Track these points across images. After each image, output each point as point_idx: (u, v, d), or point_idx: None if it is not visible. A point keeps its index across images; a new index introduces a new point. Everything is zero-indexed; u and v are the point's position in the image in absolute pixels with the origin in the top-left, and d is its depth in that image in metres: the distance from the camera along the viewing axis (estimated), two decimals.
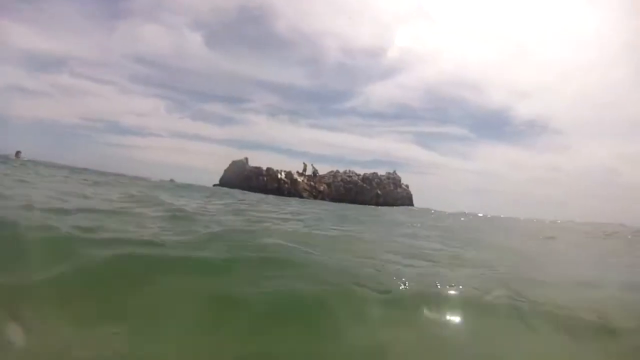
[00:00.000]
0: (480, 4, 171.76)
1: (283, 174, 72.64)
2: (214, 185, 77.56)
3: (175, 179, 63.52)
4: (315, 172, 75.79)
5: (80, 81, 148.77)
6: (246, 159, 77.10)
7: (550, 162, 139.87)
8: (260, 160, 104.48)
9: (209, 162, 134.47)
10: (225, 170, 79.95)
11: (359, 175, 76.66)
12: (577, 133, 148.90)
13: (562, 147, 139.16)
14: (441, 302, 3.79)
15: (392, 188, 77.95)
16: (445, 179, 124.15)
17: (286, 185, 71.64)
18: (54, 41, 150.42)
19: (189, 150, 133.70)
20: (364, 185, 75.39)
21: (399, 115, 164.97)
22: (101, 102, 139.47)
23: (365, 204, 67.89)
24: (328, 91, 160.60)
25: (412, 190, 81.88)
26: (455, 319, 3.62)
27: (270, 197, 41.46)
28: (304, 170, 75.03)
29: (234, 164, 78.28)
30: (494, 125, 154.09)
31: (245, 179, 74.05)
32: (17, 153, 43.46)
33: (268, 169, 74.05)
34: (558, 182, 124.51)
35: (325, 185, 73.33)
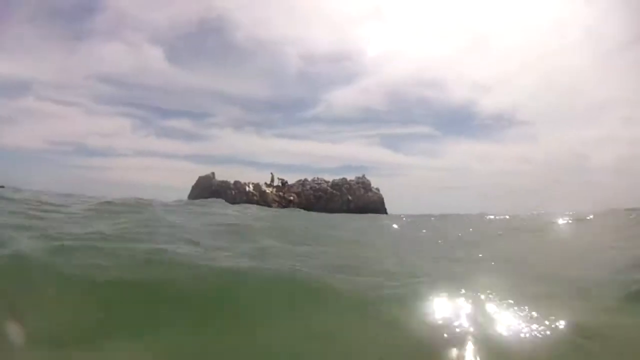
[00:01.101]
0: (432, 0, 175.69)
1: (251, 186, 71.75)
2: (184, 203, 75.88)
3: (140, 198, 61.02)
4: (284, 182, 75.16)
5: (45, 104, 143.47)
6: (213, 173, 75.81)
7: (519, 154, 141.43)
8: (228, 174, 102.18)
9: (176, 180, 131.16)
10: (193, 187, 78.27)
11: (327, 182, 76.52)
12: (544, 122, 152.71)
13: (530, 137, 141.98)
14: None
15: (362, 192, 78.10)
16: (415, 179, 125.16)
17: (255, 198, 70.64)
18: (16, 64, 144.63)
19: (156, 168, 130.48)
20: (334, 191, 75.26)
21: (363, 119, 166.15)
22: (67, 125, 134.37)
23: (336, 212, 67.75)
24: (291, 100, 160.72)
25: (383, 192, 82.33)
26: None
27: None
28: (272, 181, 74.35)
29: (201, 179, 76.82)
30: (459, 121, 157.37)
31: (213, 194, 72.56)
32: None
33: (235, 182, 73.00)
34: (529, 173, 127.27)
35: (294, 195, 72.77)
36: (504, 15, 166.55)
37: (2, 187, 43.03)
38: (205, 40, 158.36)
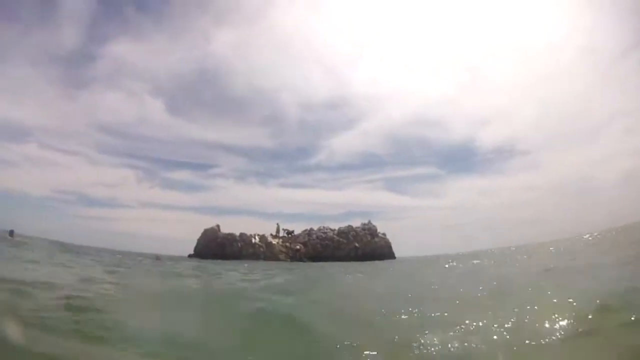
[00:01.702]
0: (428, 38, 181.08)
1: (257, 238, 71.45)
2: (189, 255, 75.25)
3: (159, 255, 60.39)
4: (290, 232, 74.89)
5: (48, 152, 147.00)
6: (218, 226, 75.69)
7: (523, 183, 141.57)
8: (233, 225, 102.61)
9: (181, 231, 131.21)
10: (198, 240, 77.98)
11: (333, 230, 76.20)
12: (544, 149, 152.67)
13: (532, 165, 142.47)
14: None
15: (369, 239, 77.50)
16: (421, 220, 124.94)
17: (261, 249, 70.20)
18: (19, 108, 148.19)
19: (161, 220, 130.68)
20: (340, 239, 74.76)
21: (365, 163, 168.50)
22: (70, 174, 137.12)
23: (343, 260, 66.97)
24: (293, 148, 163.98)
25: (390, 237, 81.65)
26: None
27: (245, 265, 39.95)
28: (277, 231, 74.14)
29: (206, 232, 76.63)
30: (460, 158, 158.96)
31: (219, 247, 72.25)
32: (11, 232, 41.14)
33: (241, 235, 72.77)
34: (534, 201, 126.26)
35: (301, 245, 72.27)
36: (496, 48, 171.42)
37: (14, 234, 42.78)
38: (205, 91, 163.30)
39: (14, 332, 3.26)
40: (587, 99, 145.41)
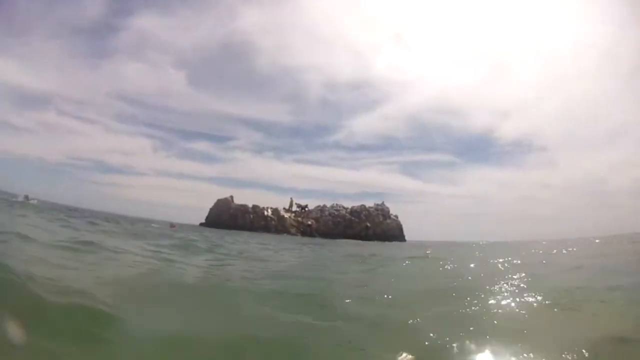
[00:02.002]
0: (456, 27, 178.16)
1: (269, 211, 71.49)
2: (200, 224, 75.90)
3: (173, 222, 60.93)
4: (303, 207, 74.76)
5: (66, 119, 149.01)
6: (231, 197, 75.90)
7: (539, 180, 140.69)
8: (247, 197, 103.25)
9: (196, 200, 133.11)
10: (211, 209, 78.50)
11: (346, 208, 75.84)
12: (562, 147, 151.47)
13: (549, 163, 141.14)
14: None
15: (381, 219, 77.08)
16: (435, 206, 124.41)
17: (273, 222, 70.33)
18: (39, 78, 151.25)
19: (176, 189, 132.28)
20: (352, 218, 74.45)
21: (384, 146, 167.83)
22: (87, 141, 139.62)
23: (354, 238, 66.75)
24: (312, 126, 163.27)
25: (402, 220, 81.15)
26: None
27: (256, 236, 39.85)
28: (291, 206, 74.11)
29: (219, 202, 76.96)
30: (479, 148, 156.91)
31: (232, 218, 72.61)
32: (26, 197, 42.38)
33: (254, 207, 72.90)
34: (548, 199, 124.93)
35: (313, 221, 72.19)
36: (522, 43, 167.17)
37: (29, 198, 43.70)
38: (229, 65, 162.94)
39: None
40: (607, 104, 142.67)
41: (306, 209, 73.61)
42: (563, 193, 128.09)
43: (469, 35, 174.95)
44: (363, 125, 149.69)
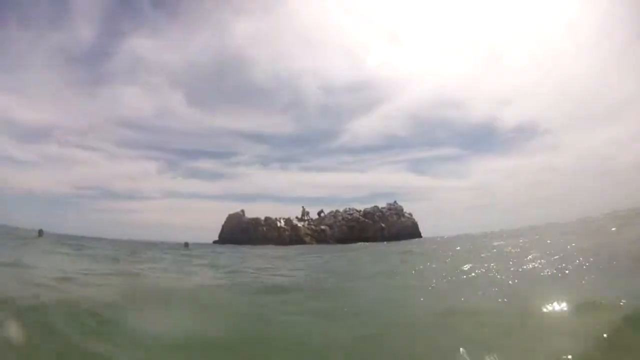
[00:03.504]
0: (447, 20, 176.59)
1: (282, 221, 70.64)
2: (214, 242, 75.26)
3: (188, 242, 60.47)
4: (320, 212, 73.82)
5: (68, 150, 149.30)
6: (242, 211, 75.18)
7: (544, 164, 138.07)
8: (257, 211, 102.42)
9: (206, 219, 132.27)
10: (223, 225, 77.81)
11: (359, 211, 74.69)
12: (566, 128, 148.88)
13: (554, 145, 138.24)
14: None
15: (395, 219, 75.85)
16: (445, 200, 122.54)
17: (287, 233, 69.42)
18: (38, 110, 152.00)
19: (185, 209, 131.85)
20: (366, 220, 73.30)
21: (388, 145, 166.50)
22: (91, 169, 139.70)
23: (370, 241, 65.61)
24: (315, 132, 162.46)
25: (416, 217, 79.87)
26: None
27: (269, 249, 38.81)
28: (303, 215, 73.18)
29: (231, 217, 76.27)
30: (482, 138, 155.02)
31: (244, 232, 71.88)
32: (40, 232, 42.33)
33: (266, 219, 72.06)
34: (556, 181, 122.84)
35: (327, 227, 71.15)
36: (515, 28, 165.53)
37: (41, 231, 43.31)
38: (225, 80, 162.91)
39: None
40: (605, 80, 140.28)
41: (322, 214, 72.64)
42: (570, 174, 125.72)
43: (460, 27, 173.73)
44: (365, 126, 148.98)
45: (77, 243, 22.70)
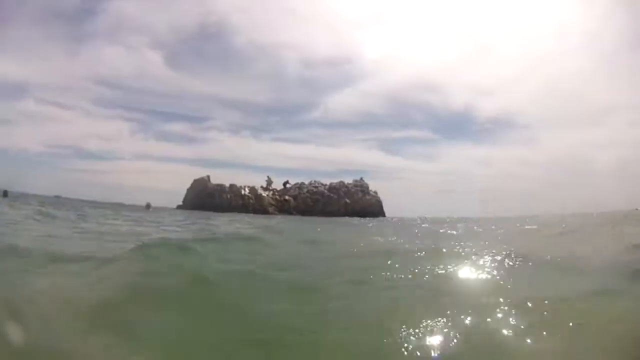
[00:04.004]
0: (438, 5, 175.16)
1: (247, 189, 70.38)
2: (178, 206, 74.38)
3: (151, 203, 59.78)
4: (286, 183, 73.86)
5: (44, 107, 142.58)
6: (208, 176, 74.28)
7: (519, 157, 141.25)
8: (225, 177, 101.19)
9: (174, 183, 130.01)
10: (188, 190, 76.79)
11: (325, 185, 75.24)
12: (544, 125, 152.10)
13: (530, 140, 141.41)
14: None
15: (360, 196, 76.85)
16: (414, 182, 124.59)
17: (251, 201, 69.35)
18: (15, 66, 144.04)
19: (154, 172, 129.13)
20: (331, 195, 73.98)
21: (362, 122, 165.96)
22: (66, 128, 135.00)
23: (334, 215, 66.50)
24: (290, 104, 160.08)
25: (382, 196, 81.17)
26: None
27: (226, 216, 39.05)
28: (268, 184, 73.03)
29: (196, 182, 75.33)
30: (457, 125, 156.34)
31: (208, 197, 71.28)
32: (5, 192, 41.59)
33: (231, 186, 71.62)
34: (528, 176, 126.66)
35: (291, 198, 71.48)
36: (505, 22, 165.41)
37: (6, 192, 41.81)
38: (205, 45, 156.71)
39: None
40: (591, 84, 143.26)
41: (288, 184, 72.76)
42: (544, 170, 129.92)
43: (450, 14, 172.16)
44: (341, 101, 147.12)
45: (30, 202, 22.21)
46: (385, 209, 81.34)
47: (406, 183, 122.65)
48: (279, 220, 31.95)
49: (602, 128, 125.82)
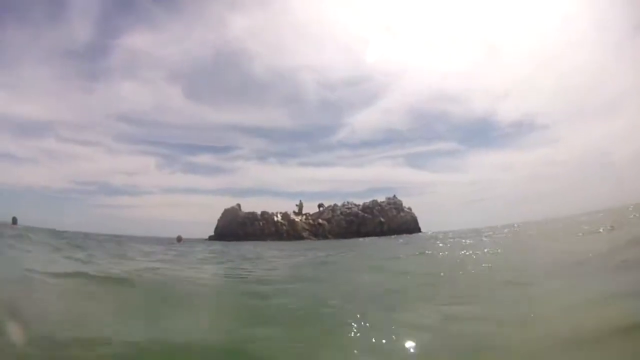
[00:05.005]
0: (445, 14, 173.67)
1: (279, 215, 68.82)
2: (210, 237, 73.36)
3: (182, 236, 58.90)
4: (320, 205, 72.22)
5: (66, 145, 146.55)
6: (238, 205, 73.33)
7: (543, 158, 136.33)
8: (255, 205, 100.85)
9: (204, 214, 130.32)
10: (219, 220, 75.94)
11: (358, 205, 72.99)
12: (563, 122, 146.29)
13: (552, 140, 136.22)
14: None
15: (395, 213, 74.21)
16: (443, 195, 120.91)
17: (284, 227, 67.66)
18: (35, 106, 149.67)
19: (183, 204, 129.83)
20: (365, 215, 71.61)
21: (387, 139, 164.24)
22: (89, 164, 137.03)
23: (369, 235, 63.99)
24: (313, 127, 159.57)
25: (415, 212, 78.34)
26: None
27: (263, 246, 37.11)
28: (300, 209, 71.32)
29: (227, 212, 74.41)
30: (480, 132, 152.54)
31: (240, 226, 70.08)
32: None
33: (263, 213, 70.24)
34: (554, 176, 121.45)
35: (325, 222, 69.43)
36: (512, 22, 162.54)
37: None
38: (223, 74, 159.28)
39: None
40: (601, 74, 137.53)
41: (321, 207, 70.94)
42: (569, 168, 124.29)
43: (457, 20, 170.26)
44: (364, 120, 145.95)
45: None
46: (420, 224, 78.53)
47: (436, 197, 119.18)
48: (315, 245, 29.85)
49: (617, 117, 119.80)
